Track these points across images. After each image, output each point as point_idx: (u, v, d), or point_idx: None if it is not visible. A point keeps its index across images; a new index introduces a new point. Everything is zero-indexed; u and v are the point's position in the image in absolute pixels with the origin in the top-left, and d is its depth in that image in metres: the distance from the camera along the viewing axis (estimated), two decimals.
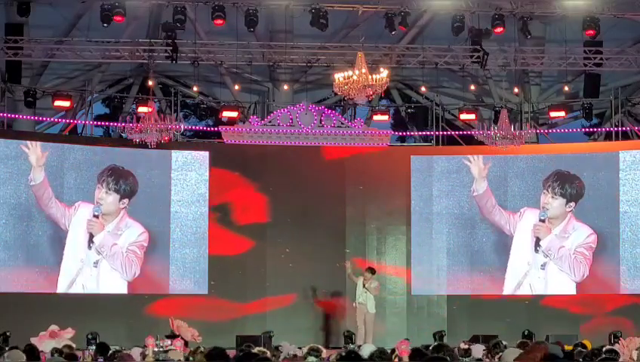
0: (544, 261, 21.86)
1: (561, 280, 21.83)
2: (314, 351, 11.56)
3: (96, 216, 21.06)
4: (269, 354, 12.12)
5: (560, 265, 21.84)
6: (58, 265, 20.76)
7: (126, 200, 21.36)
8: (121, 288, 21.20)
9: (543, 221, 21.92)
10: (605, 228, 21.71)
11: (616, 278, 21.55)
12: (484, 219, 22.08)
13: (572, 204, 21.98)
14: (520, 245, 22.02)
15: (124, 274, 21.17)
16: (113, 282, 21.15)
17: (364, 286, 19.45)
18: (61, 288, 20.74)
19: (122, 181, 21.36)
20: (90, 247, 20.99)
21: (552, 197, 22.02)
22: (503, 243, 22.06)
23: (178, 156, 21.74)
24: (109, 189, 21.25)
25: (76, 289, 20.84)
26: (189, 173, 21.75)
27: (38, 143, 20.83)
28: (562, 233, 21.91)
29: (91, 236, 21.03)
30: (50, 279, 20.65)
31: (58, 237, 20.84)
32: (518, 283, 21.95)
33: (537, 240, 21.91)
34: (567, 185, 22.02)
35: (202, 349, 11.45)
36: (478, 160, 22.19)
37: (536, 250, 21.89)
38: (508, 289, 21.97)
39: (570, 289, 21.83)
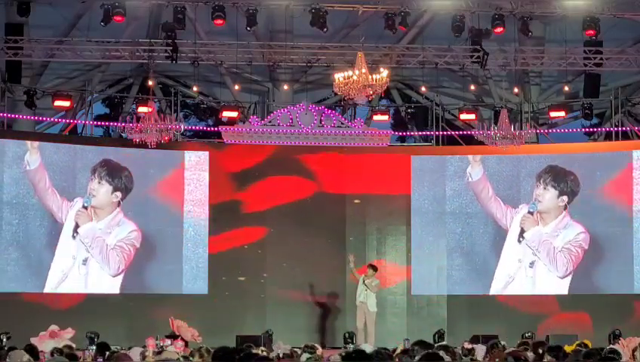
0: (532, 259, 21.77)
1: (550, 279, 21.68)
2: (309, 349, 11.61)
3: (85, 208, 20.92)
4: (271, 354, 12.14)
5: (543, 258, 21.74)
6: (50, 261, 20.62)
7: (119, 194, 21.20)
8: (111, 286, 20.97)
9: (531, 213, 21.84)
10: (618, 227, 21.57)
11: (630, 278, 21.37)
12: (481, 211, 21.96)
13: (564, 198, 21.86)
14: (513, 241, 21.92)
15: (108, 268, 20.97)
16: (101, 280, 20.93)
17: (363, 282, 19.42)
18: (50, 284, 20.53)
19: (115, 173, 21.21)
20: (74, 237, 20.81)
21: (544, 188, 21.93)
22: (499, 240, 21.95)
23: (186, 156, 21.69)
24: (102, 179, 21.10)
25: (66, 286, 20.64)
26: (189, 173, 21.73)
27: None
28: (553, 231, 21.80)
29: (77, 226, 20.85)
30: (40, 275, 20.54)
31: (54, 231, 20.70)
32: (506, 282, 21.84)
33: (522, 231, 21.84)
34: (560, 178, 21.93)
35: (205, 348, 11.43)
36: None
37: (519, 241, 21.82)
38: (497, 286, 21.81)
39: (560, 289, 21.65)
